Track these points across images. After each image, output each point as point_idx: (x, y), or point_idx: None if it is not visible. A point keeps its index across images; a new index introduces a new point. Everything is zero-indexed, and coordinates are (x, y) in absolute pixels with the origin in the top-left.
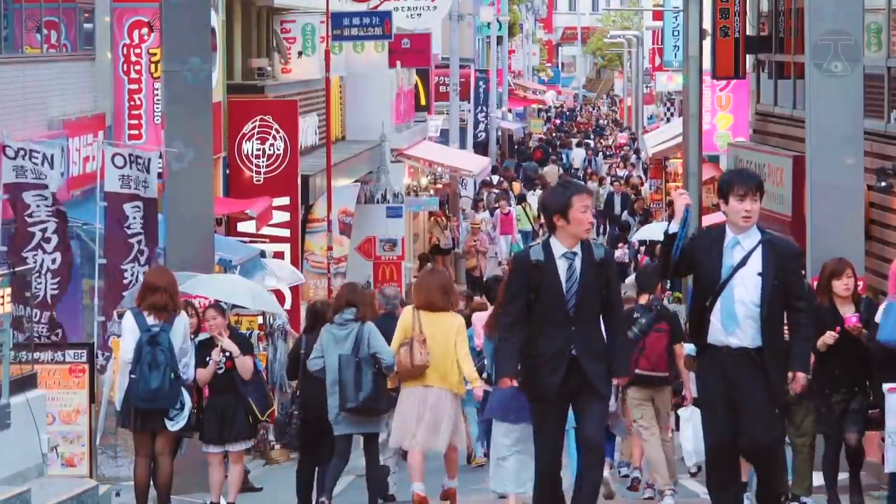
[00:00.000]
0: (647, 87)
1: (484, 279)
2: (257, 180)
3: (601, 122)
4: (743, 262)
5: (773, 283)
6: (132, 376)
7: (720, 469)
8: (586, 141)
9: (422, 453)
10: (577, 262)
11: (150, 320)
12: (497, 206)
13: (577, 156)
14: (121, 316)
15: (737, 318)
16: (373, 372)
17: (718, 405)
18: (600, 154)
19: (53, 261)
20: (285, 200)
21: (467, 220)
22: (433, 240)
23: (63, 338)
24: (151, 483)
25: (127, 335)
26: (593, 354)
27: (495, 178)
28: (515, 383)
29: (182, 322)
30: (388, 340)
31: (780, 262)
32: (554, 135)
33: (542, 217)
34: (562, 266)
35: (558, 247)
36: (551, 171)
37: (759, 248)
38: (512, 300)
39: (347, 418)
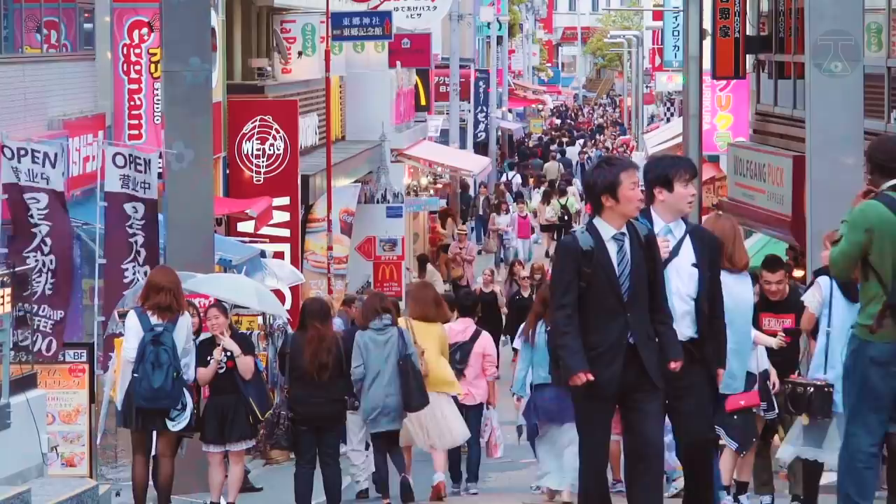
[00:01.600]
0: (647, 87)
1: (472, 288)
2: (257, 180)
3: (599, 121)
4: (675, 252)
5: (707, 276)
6: (135, 375)
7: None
8: (580, 140)
9: (443, 452)
10: (627, 245)
11: (154, 320)
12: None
13: (571, 154)
14: (121, 315)
15: (675, 312)
16: (414, 371)
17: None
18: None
19: (52, 261)
20: (285, 200)
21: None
22: (444, 239)
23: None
24: (151, 483)
25: (130, 334)
26: (648, 342)
27: (511, 174)
28: (591, 377)
29: (185, 322)
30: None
31: (709, 253)
32: (554, 133)
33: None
34: (612, 250)
35: (606, 229)
36: (552, 168)
37: (688, 238)
38: (566, 291)
39: (387, 416)
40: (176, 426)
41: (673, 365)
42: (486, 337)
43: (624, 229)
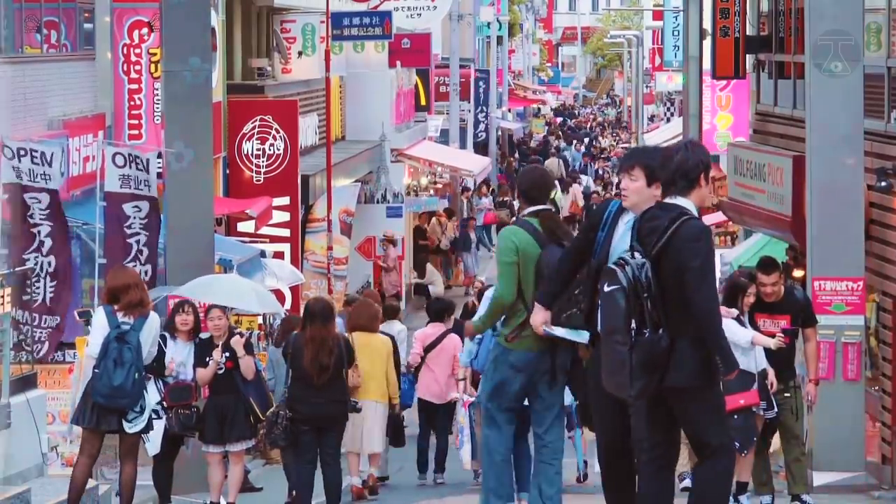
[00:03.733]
0: (647, 87)
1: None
2: (257, 180)
3: (600, 119)
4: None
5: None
6: (95, 371)
7: (613, 469)
8: (587, 138)
9: (357, 454)
10: None
11: (122, 317)
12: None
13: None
14: (80, 315)
15: None
16: None
17: (609, 402)
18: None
19: (49, 263)
20: (285, 200)
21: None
22: (433, 241)
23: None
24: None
25: (96, 331)
26: None
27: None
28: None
29: (154, 324)
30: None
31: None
32: (556, 133)
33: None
34: None
35: (696, 213)
36: (552, 165)
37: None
38: (715, 279)
39: None
40: (133, 428)
41: None
42: (454, 338)
43: None
